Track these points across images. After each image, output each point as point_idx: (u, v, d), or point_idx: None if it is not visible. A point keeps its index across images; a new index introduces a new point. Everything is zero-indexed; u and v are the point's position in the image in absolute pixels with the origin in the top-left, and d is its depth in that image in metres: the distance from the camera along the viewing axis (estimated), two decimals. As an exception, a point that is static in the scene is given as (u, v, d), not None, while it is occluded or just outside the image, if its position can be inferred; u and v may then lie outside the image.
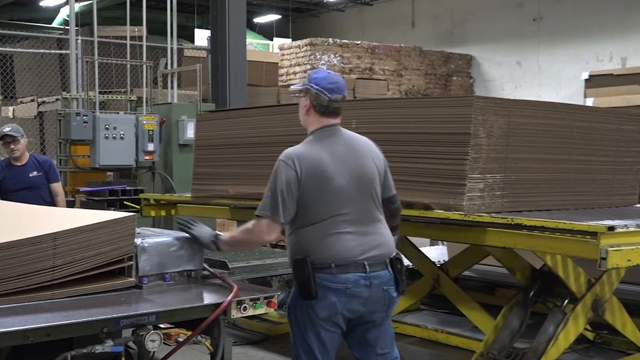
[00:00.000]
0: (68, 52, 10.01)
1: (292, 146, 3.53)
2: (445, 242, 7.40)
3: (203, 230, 3.77)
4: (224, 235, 3.74)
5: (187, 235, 3.85)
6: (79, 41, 10.06)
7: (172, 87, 10.47)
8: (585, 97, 13.40)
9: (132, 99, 10.28)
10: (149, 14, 11.30)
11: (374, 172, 3.56)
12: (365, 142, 3.65)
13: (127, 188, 8.62)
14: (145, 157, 9.11)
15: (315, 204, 3.43)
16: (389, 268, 3.46)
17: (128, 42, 10.73)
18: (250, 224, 3.53)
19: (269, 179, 3.48)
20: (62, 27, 14.92)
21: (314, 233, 3.43)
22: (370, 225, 3.48)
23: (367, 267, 3.38)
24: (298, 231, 3.48)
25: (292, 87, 3.99)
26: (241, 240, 3.66)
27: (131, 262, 3.66)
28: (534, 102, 5.10)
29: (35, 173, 6.52)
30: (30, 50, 12.20)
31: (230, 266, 4.52)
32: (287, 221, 3.46)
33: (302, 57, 16.38)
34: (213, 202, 6.51)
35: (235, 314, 3.54)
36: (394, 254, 3.51)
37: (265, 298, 3.65)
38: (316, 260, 3.38)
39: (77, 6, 12.34)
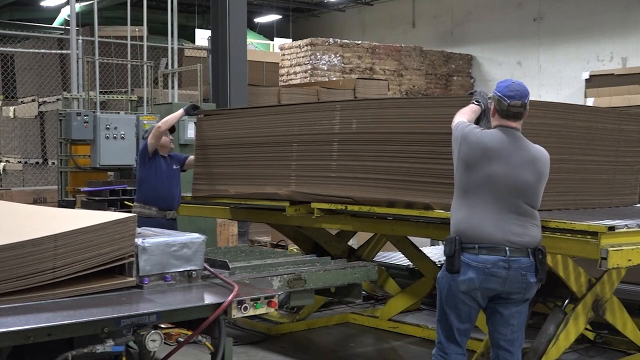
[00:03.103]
0: (69, 52, 10.01)
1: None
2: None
3: None
4: None
5: (186, 235, 3.88)
6: (80, 41, 10.04)
7: (172, 87, 10.45)
8: (585, 97, 13.40)
9: (132, 99, 10.26)
10: (150, 14, 11.29)
11: (529, 179, 3.83)
12: (532, 152, 3.90)
13: (128, 188, 8.61)
14: (146, 157, 9.10)
15: (466, 181, 3.84)
16: (530, 256, 3.79)
17: (129, 42, 10.72)
18: None
19: None
20: (63, 27, 14.91)
21: (463, 210, 3.83)
22: (516, 216, 3.79)
23: (507, 251, 3.74)
24: (454, 204, 3.91)
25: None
26: None
27: (132, 261, 3.67)
28: (535, 102, 5.07)
29: (174, 167, 6.55)
30: (31, 50, 12.20)
31: (230, 266, 4.52)
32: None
33: (303, 57, 16.40)
34: (213, 202, 6.51)
35: (235, 313, 3.55)
36: (539, 246, 3.84)
37: (266, 298, 3.66)
38: (464, 239, 3.79)
39: (78, 6, 12.33)
